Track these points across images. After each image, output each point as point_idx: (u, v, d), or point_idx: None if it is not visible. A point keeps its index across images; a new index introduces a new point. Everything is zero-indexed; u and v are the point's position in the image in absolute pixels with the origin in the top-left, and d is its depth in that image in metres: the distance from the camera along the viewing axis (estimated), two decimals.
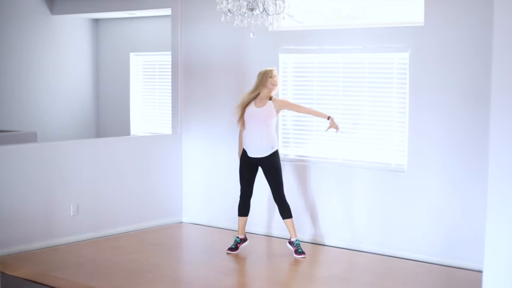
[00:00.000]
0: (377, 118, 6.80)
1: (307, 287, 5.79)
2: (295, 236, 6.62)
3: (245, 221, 6.74)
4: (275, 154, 6.55)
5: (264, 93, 6.52)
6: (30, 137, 8.10)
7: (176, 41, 8.11)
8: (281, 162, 7.31)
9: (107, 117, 10.12)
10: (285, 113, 7.35)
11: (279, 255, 6.80)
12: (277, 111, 6.57)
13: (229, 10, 5.56)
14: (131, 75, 9.78)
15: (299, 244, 6.60)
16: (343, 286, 5.80)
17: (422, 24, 6.42)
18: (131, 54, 9.78)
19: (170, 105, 8.27)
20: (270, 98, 6.55)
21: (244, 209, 6.71)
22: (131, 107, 9.75)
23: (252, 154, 6.53)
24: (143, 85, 9.77)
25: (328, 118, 6.55)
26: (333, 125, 6.54)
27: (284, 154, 7.37)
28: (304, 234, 7.20)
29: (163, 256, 6.64)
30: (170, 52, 8.24)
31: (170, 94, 8.27)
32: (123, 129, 9.69)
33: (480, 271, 5.20)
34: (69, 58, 9.86)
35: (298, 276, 6.05)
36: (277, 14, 5.66)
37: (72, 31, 9.87)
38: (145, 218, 7.77)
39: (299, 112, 6.74)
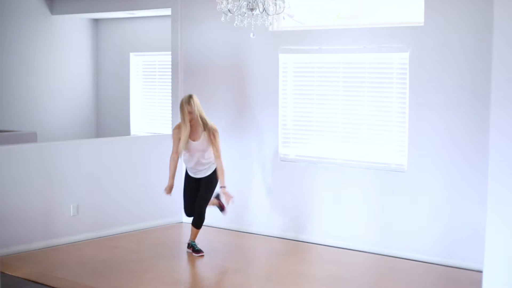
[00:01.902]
0: (377, 118, 6.80)
1: (307, 287, 5.79)
2: (194, 239, 6.70)
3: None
4: (214, 172, 6.63)
5: (192, 122, 6.50)
6: (30, 137, 8.10)
7: (176, 41, 8.11)
8: (281, 162, 7.34)
9: (107, 117, 10.12)
10: (285, 112, 7.35)
11: (279, 255, 6.81)
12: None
13: (229, 10, 5.56)
14: (131, 75, 9.78)
15: (195, 244, 6.69)
16: (343, 286, 5.80)
17: (422, 24, 6.42)
18: (131, 54, 9.78)
19: (170, 105, 8.27)
20: (205, 127, 6.51)
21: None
22: (131, 107, 9.75)
23: (193, 175, 6.66)
24: (143, 85, 9.77)
25: (221, 187, 6.60)
26: (226, 194, 6.56)
27: (284, 154, 7.38)
28: (304, 234, 7.20)
29: (163, 256, 6.64)
30: (170, 52, 8.24)
31: (170, 94, 8.27)
32: (123, 129, 9.69)
33: (480, 271, 5.20)
34: (69, 58, 9.86)
35: (298, 276, 6.05)
36: (277, 14, 5.66)
37: (72, 31, 9.88)
38: (145, 218, 7.77)
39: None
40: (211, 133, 6.54)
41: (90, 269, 6.17)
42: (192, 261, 6.56)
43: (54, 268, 6.16)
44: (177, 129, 6.61)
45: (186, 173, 6.74)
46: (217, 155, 6.57)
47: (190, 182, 6.72)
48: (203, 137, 6.54)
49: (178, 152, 6.61)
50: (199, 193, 6.66)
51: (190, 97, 6.54)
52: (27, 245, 6.75)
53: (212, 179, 6.64)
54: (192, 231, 6.70)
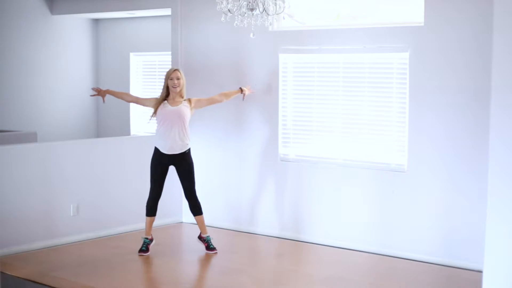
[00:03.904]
0: (377, 118, 6.79)
1: (307, 287, 5.79)
2: (206, 232, 6.71)
3: (153, 221, 6.70)
4: (189, 152, 6.60)
5: (171, 94, 6.50)
6: (30, 137, 8.10)
7: (176, 41, 8.11)
8: (281, 162, 7.34)
9: (107, 117, 10.12)
10: (285, 112, 7.35)
11: (279, 255, 6.80)
12: (192, 110, 6.58)
13: (229, 10, 5.57)
14: (131, 75, 9.78)
15: (210, 240, 6.69)
16: (343, 286, 5.80)
17: (422, 24, 6.42)
18: (131, 54, 9.78)
19: None
20: (184, 98, 6.56)
21: (153, 209, 6.66)
22: (131, 107, 9.75)
23: (167, 151, 6.50)
24: (143, 85, 9.77)
25: (241, 90, 6.91)
26: (247, 91, 6.87)
27: (284, 154, 7.38)
28: (304, 234, 7.20)
29: (163, 256, 6.63)
30: (170, 52, 8.24)
31: None
32: (123, 129, 9.69)
33: (480, 271, 5.20)
34: (69, 58, 9.86)
35: (298, 276, 6.05)
36: (277, 14, 5.66)
37: (72, 31, 9.88)
38: (145, 218, 7.74)
39: (214, 102, 6.79)
40: (191, 100, 6.56)
41: (90, 269, 6.17)
42: (192, 261, 6.57)
43: (54, 268, 6.16)
44: (156, 99, 6.59)
45: (156, 153, 6.55)
46: (213, 97, 6.80)
47: (160, 162, 6.53)
48: (183, 104, 6.49)
49: (143, 102, 6.67)
50: (184, 182, 6.57)
51: (178, 68, 6.65)
52: (27, 245, 6.75)
53: (189, 160, 6.57)
54: (197, 222, 6.69)
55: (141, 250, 6.63)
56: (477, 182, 6.10)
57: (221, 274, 6.13)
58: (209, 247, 6.68)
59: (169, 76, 6.49)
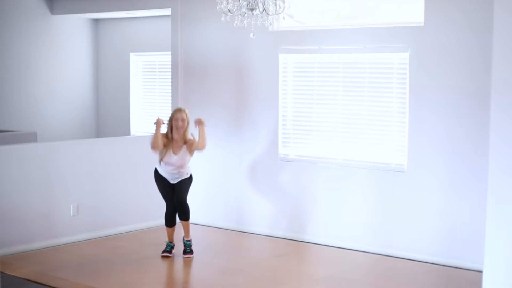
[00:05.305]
0: (377, 118, 6.79)
1: (307, 287, 5.79)
2: (188, 236, 6.66)
3: (174, 230, 6.69)
4: (190, 176, 6.65)
5: (176, 136, 6.51)
6: (30, 137, 8.10)
7: (176, 41, 8.11)
8: (281, 162, 7.35)
9: (107, 117, 10.12)
10: (285, 113, 7.35)
11: (279, 255, 6.80)
12: (192, 152, 6.56)
13: (229, 10, 5.56)
14: (131, 75, 9.78)
15: (189, 245, 6.64)
16: (343, 286, 5.80)
17: (422, 24, 6.42)
18: (131, 54, 9.78)
19: (170, 105, 8.27)
20: (185, 142, 6.51)
21: (171, 222, 6.65)
22: (131, 107, 9.74)
23: (169, 179, 6.58)
24: (143, 85, 9.77)
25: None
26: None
27: (284, 154, 7.37)
28: (304, 234, 7.20)
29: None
30: (170, 52, 8.24)
31: (170, 94, 8.27)
32: (123, 129, 9.69)
33: (480, 271, 5.21)
34: (69, 58, 9.86)
35: (298, 276, 6.05)
36: (277, 14, 5.66)
37: (72, 31, 9.88)
38: (145, 218, 7.77)
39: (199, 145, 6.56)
40: (189, 143, 6.49)
41: (90, 269, 6.17)
42: (191, 261, 6.56)
43: (54, 268, 6.16)
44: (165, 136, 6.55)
45: (158, 175, 6.62)
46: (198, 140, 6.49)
47: (164, 182, 6.61)
48: (183, 150, 6.50)
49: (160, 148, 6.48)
50: (177, 191, 6.57)
51: (183, 109, 6.62)
52: (27, 245, 6.74)
53: (187, 181, 6.61)
54: (183, 226, 6.64)
55: (165, 251, 6.61)
56: (477, 182, 6.10)
57: (221, 274, 6.13)
58: (185, 251, 6.63)
59: (174, 117, 6.53)
